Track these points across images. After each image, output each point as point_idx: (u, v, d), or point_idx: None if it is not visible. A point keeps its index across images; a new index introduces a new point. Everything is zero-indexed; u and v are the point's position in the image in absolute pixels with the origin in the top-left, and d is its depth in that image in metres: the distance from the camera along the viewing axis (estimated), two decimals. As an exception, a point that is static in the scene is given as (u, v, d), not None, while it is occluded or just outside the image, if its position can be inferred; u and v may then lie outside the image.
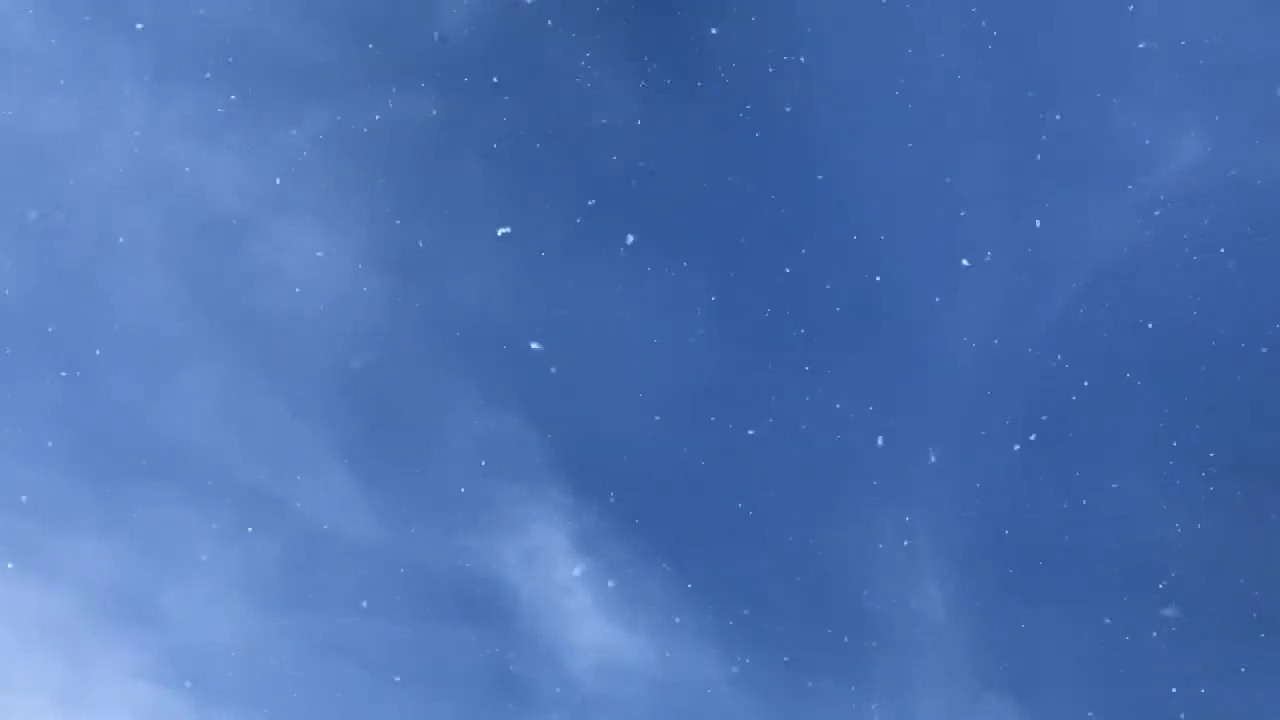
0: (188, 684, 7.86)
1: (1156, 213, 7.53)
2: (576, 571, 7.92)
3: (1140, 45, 7.46)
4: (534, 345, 7.86)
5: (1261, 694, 7.39)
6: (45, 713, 7.78)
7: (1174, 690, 7.51)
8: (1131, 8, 7.45)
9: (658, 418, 7.87)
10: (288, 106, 7.71)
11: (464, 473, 7.89)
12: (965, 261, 7.67)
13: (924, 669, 7.71)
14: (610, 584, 7.91)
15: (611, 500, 7.91)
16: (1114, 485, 7.63)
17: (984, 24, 7.57)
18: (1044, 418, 7.74)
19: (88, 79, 7.62)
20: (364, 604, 7.91)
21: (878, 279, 7.76)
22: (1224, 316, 7.52)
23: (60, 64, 7.58)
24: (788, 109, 7.71)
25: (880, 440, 7.79)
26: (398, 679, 7.87)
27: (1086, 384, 7.69)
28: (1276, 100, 7.36)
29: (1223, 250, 7.50)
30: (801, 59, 7.71)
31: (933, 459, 7.78)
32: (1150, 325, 7.59)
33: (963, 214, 7.71)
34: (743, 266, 7.84)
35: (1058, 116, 7.57)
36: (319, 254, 7.81)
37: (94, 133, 7.65)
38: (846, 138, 7.71)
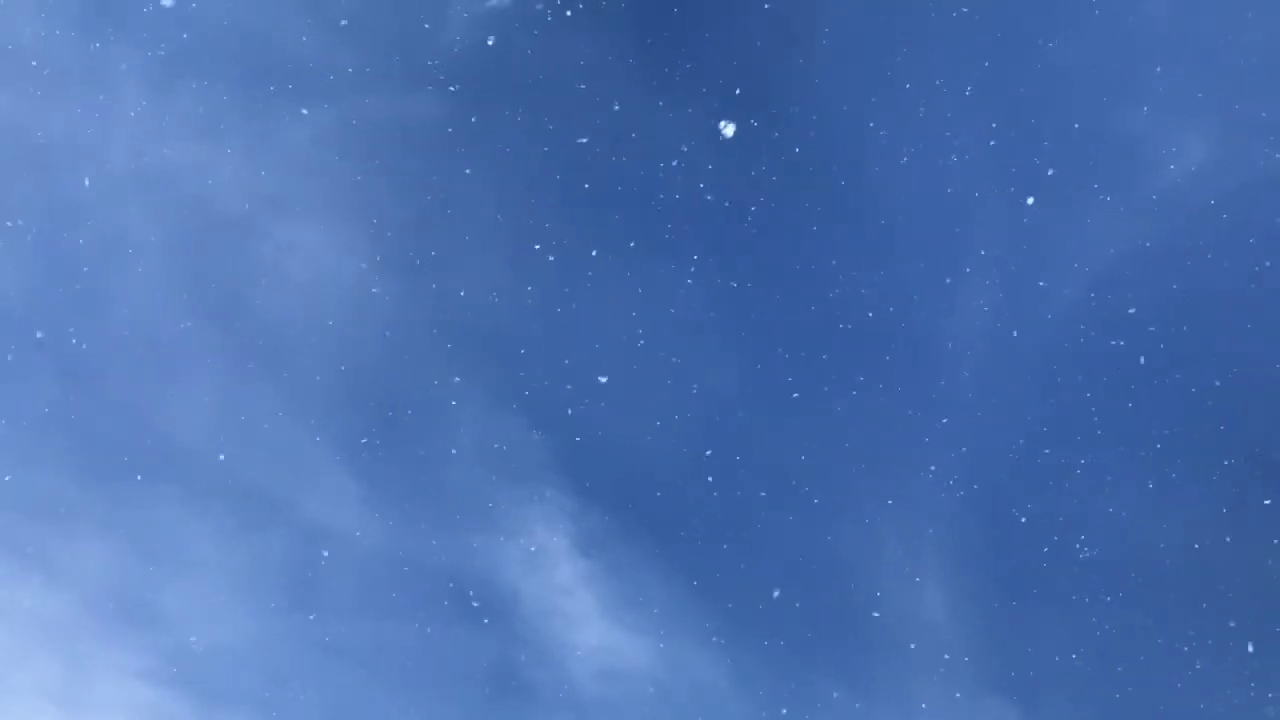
0: (187, 684, 7.87)
1: (1159, 215, 7.56)
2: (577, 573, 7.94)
3: (1143, 49, 7.49)
4: (528, 346, 7.89)
5: (1261, 694, 7.42)
6: (44, 712, 7.76)
7: (1173, 691, 7.53)
8: (1134, 12, 7.48)
9: (659, 420, 7.89)
10: (290, 106, 7.71)
11: (466, 474, 7.90)
12: (967, 269, 7.70)
13: (924, 670, 7.72)
14: (611, 585, 7.93)
15: (613, 502, 7.92)
16: (1115, 487, 7.65)
17: (988, 27, 7.59)
18: (1045, 419, 7.76)
19: (90, 79, 7.61)
20: (365, 605, 7.91)
21: (879, 281, 7.78)
22: (1226, 317, 7.55)
23: (62, 64, 7.57)
24: (793, 110, 7.73)
25: (880, 439, 7.82)
26: (398, 680, 7.86)
27: (1088, 386, 7.71)
28: (1277, 103, 7.39)
29: (1225, 251, 7.52)
30: (807, 61, 7.72)
31: (933, 462, 7.81)
32: (1152, 327, 7.62)
33: (965, 215, 7.73)
34: (744, 269, 7.86)
35: (1059, 118, 7.61)
36: (321, 254, 7.81)
37: (96, 133, 7.64)
38: (849, 140, 7.73)
